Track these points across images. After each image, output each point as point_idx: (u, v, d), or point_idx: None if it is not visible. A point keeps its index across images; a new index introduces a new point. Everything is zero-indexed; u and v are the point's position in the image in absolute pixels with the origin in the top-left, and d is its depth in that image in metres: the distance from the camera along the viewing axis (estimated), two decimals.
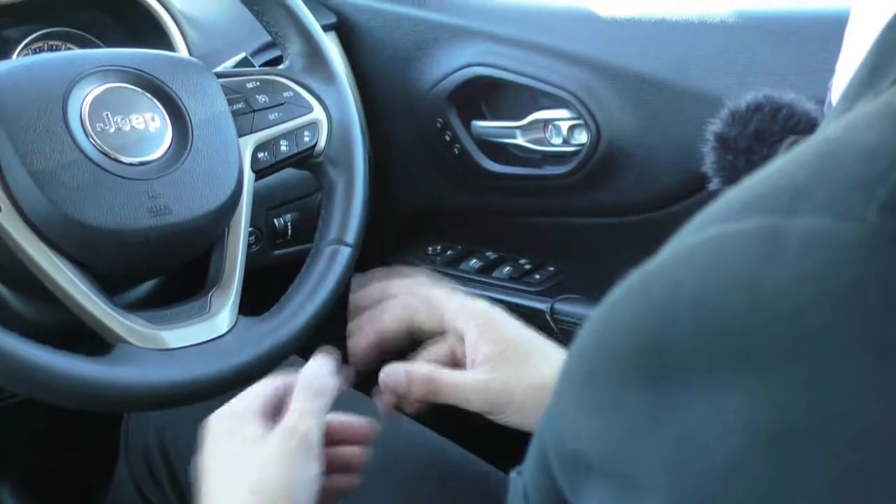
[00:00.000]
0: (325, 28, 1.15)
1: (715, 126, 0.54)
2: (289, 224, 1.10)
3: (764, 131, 0.52)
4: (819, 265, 0.25)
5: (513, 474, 0.45)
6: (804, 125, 0.51)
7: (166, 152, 0.74)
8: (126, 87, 0.74)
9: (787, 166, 0.29)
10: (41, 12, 1.01)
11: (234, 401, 0.62)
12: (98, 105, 0.72)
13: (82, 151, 0.70)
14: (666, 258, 0.30)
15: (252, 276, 1.11)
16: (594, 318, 0.31)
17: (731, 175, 0.52)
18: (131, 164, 0.72)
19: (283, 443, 0.56)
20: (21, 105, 0.69)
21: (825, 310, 0.25)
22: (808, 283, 0.25)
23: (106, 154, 0.71)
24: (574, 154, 1.00)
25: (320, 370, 0.63)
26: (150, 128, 0.74)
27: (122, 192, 0.71)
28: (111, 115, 0.73)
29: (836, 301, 0.25)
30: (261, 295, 1.16)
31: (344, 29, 1.18)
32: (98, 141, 0.71)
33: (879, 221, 0.25)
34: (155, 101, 0.76)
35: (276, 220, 1.09)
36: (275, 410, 0.61)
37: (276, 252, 1.11)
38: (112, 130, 0.72)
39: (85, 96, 0.72)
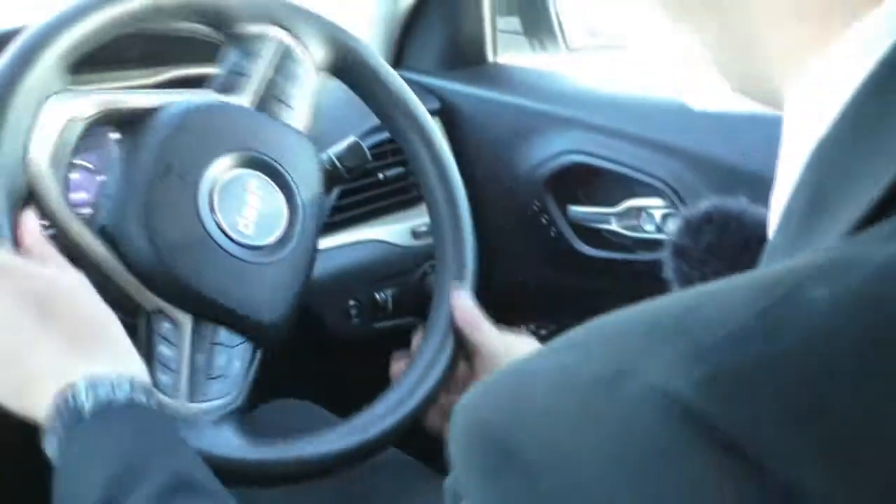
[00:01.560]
0: (430, 113, 1.21)
1: (671, 234, 0.52)
2: (389, 298, 1.15)
3: (715, 245, 0.50)
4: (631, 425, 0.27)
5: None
6: (756, 238, 0.49)
7: (272, 244, 0.80)
8: (259, 176, 0.80)
9: (655, 312, 0.30)
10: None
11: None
12: (225, 187, 0.78)
13: (199, 218, 0.76)
14: (537, 366, 0.31)
15: (352, 349, 1.17)
16: (485, 385, 0.33)
17: (690, 285, 0.50)
18: (238, 243, 0.78)
19: None
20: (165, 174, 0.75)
21: (613, 468, 0.27)
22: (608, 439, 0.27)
23: (220, 228, 0.77)
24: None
25: None
26: (266, 217, 0.80)
27: (220, 264, 0.76)
28: (235, 197, 0.79)
29: (620, 464, 0.27)
30: (361, 366, 1.21)
31: (447, 114, 1.24)
32: (218, 214, 0.77)
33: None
34: (277, 189, 0.82)
35: (376, 294, 1.15)
36: None
37: (377, 325, 1.16)
38: (234, 212, 0.78)
39: (220, 174, 0.78)
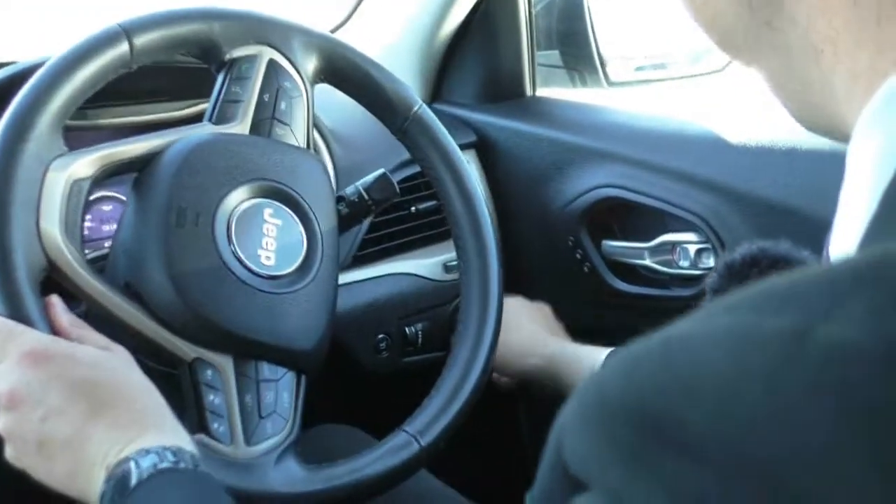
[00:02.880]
0: (465, 146, 1.20)
1: (711, 280, 0.51)
2: (419, 332, 1.14)
3: None
4: (836, 379, 0.25)
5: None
6: None
7: (295, 271, 0.80)
8: (271, 203, 0.80)
9: (834, 270, 0.28)
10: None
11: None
12: (240, 221, 0.78)
13: (221, 258, 0.76)
14: (693, 331, 0.29)
15: (381, 383, 1.15)
16: (613, 365, 0.31)
17: None
18: (262, 276, 0.78)
19: None
20: (183, 200, 0.75)
21: (834, 425, 0.25)
22: (823, 395, 0.25)
23: (242, 263, 0.77)
24: (701, 277, 1.00)
25: None
26: (286, 245, 0.80)
27: (249, 300, 0.76)
28: (252, 230, 0.78)
29: (846, 418, 0.25)
30: (389, 396, 1.19)
31: (483, 147, 1.23)
32: (237, 250, 0.77)
33: None
34: (292, 214, 0.82)
35: (406, 329, 1.13)
36: None
37: (406, 359, 1.15)
38: (254, 244, 0.78)
39: (233, 209, 0.78)
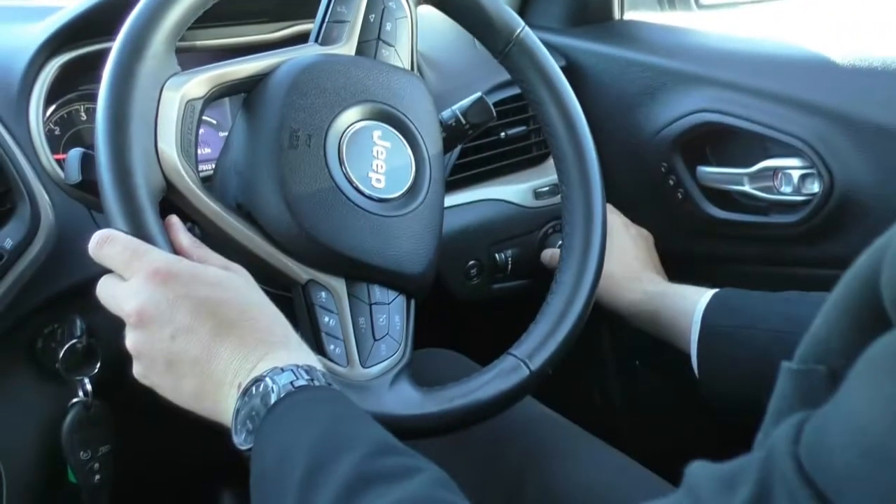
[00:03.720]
0: None
1: None
2: (509, 259, 1.14)
3: None
4: None
5: (784, 363, 0.42)
6: None
7: (405, 194, 0.80)
8: (380, 125, 0.80)
9: None
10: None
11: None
12: (350, 143, 0.78)
13: (333, 179, 0.76)
14: None
15: (471, 309, 1.15)
16: None
17: None
18: (373, 199, 0.78)
19: None
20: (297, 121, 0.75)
21: None
22: None
23: (354, 186, 0.77)
24: (804, 203, 0.98)
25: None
26: (395, 168, 0.80)
27: (360, 223, 0.76)
28: (362, 152, 0.78)
29: None
30: (481, 326, 1.20)
31: (572, 72, 1.20)
32: (349, 172, 0.77)
33: None
34: (400, 136, 0.81)
35: (497, 255, 1.13)
36: None
37: (496, 286, 1.15)
38: (364, 167, 0.78)
39: (343, 131, 0.78)
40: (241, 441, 0.59)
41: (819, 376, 0.38)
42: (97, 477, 0.88)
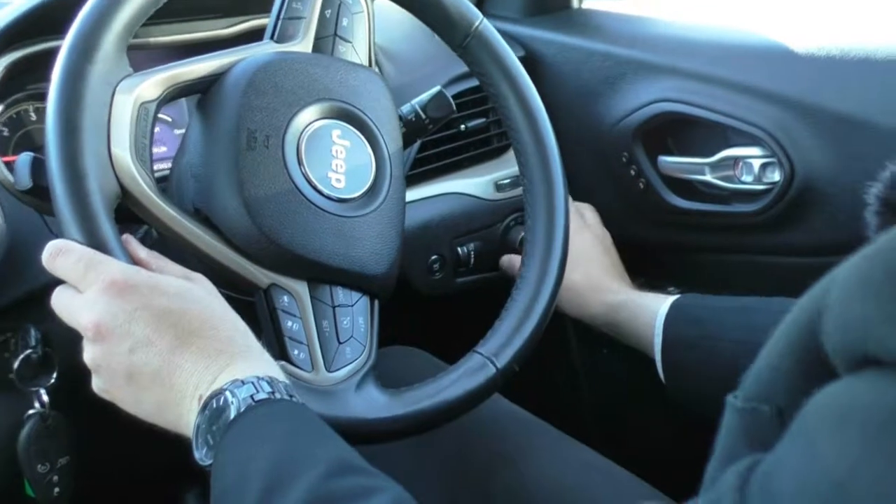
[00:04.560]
0: None
1: (876, 188, 0.49)
2: (472, 253, 1.13)
3: None
4: None
5: (730, 399, 0.42)
6: None
7: (365, 193, 0.79)
8: (339, 124, 0.78)
9: None
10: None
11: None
12: (309, 143, 0.76)
13: (292, 181, 0.74)
14: None
15: (434, 304, 1.14)
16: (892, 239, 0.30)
17: None
18: (333, 199, 0.76)
19: None
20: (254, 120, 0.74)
21: None
22: None
23: (314, 187, 0.75)
24: (765, 192, 0.98)
25: None
26: (355, 167, 0.78)
27: (321, 225, 0.75)
28: (321, 152, 0.77)
29: None
30: (445, 322, 1.19)
31: (531, 63, 1.20)
32: (308, 173, 0.75)
33: None
34: (359, 135, 0.80)
35: (459, 249, 1.12)
36: None
37: (459, 280, 1.14)
38: (324, 167, 0.76)
39: (302, 130, 0.76)
40: (201, 456, 0.58)
41: (765, 416, 0.38)
42: (56, 490, 0.86)
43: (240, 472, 0.54)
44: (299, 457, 0.54)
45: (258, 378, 0.59)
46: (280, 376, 0.62)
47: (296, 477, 0.52)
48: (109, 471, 1.05)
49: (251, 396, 0.57)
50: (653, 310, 0.92)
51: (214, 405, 0.58)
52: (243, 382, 0.58)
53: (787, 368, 0.36)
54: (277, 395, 0.59)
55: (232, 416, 0.57)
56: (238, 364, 0.61)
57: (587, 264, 1.03)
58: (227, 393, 0.58)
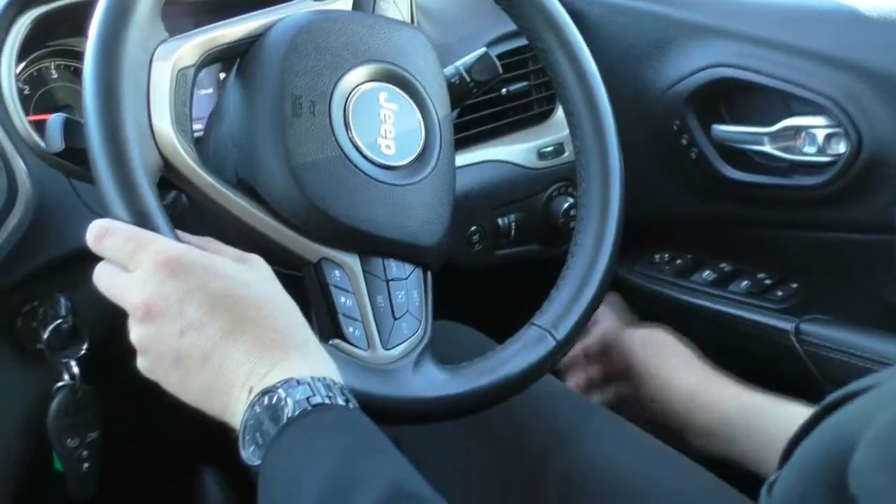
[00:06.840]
0: None
1: None
2: (513, 224, 1.09)
3: None
4: None
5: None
6: None
7: (416, 159, 0.74)
8: (385, 87, 0.74)
9: None
10: None
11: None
12: (357, 108, 0.72)
13: (341, 148, 0.70)
14: None
15: (472, 278, 1.10)
16: None
17: None
18: (384, 167, 0.72)
19: None
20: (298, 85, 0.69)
21: None
22: None
23: (363, 154, 0.71)
24: (829, 164, 0.93)
25: None
26: (404, 132, 0.74)
27: (372, 194, 0.71)
28: (369, 117, 0.72)
29: None
30: (483, 296, 1.15)
31: (576, 23, 1.13)
32: (357, 140, 0.71)
33: None
34: (407, 98, 0.75)
35: (500, 220, 1.08)
36: None
37: (499, 252, 1.10)
38: (372, 133, 0.72)
39: (349, 94, 0.72)
40: (248, 455, 0.54)
41: None
42: (86, 465, 0.83)
43: (291, 489, 0.51)
44: (354, 478, 0.50)
45: (314, 379, 0.55)
46: (336, 377, 0.58)
47: (349, 500, 0.48)
48: (132, 444, 1.03)
49: (307, 399, 0.54)
50: (792, 418, 0.81)
51: (266, 402, 0.54)
52: (299, 382, 0.54)
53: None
54: (334, 401, 0.55)
55: (285, 419, 0.53)
56: (294, 360, 0.57)
57: (681, 373, 0.96)
58: (281, 391, 0.54)
